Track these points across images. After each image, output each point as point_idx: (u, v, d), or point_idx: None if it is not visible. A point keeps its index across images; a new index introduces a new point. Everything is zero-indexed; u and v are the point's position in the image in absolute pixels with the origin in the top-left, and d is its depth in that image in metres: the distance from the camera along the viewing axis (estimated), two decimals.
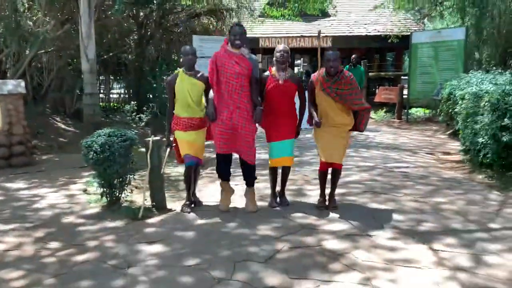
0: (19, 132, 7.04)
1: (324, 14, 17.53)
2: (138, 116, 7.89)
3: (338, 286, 2.96)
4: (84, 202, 5.01)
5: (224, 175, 4.75)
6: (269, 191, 5.03)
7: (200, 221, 4.32)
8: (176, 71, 4.73)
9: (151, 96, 11.84)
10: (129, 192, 4.96)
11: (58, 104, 10.46)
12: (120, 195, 4.83)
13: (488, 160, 6.22)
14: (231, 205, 4.79)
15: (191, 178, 4.77)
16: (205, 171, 6.58)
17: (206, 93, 4.69)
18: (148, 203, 4.81)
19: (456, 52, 11.74)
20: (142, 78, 11.71)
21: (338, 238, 3.80)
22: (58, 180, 6.01)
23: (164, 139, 4.98)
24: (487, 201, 4.92)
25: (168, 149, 4.80)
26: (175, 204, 5.01)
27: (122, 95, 13.78)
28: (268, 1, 12.84)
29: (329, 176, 4.76)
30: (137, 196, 5.14)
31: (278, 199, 4.92)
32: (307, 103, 4.76)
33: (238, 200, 4.94)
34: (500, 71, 8.80)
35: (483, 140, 6.20)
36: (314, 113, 4.54)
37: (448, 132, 10.72)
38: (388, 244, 3.67)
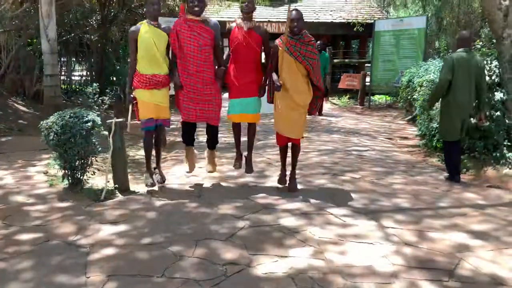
0: None
1: (291, 1, 17.60)
2: (100, 98, 7.74)
3: (293, 259, 3.12)
4: (44, 184, 4.96)
5: (188, 141, 4.93)
6: (231, 173, 5.15)
7: (162, 202, 4.37)
8: (138, 23, 4.58)
9: (114, 78, 11.64)
10: (92, 174, 4.94)
11: (17, 86, 10.12)
12: (82, 177, 4.81)
13: (441, 145, 6.54)
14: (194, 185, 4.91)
15: (151, 145, 4.74)
16: (169, 154, 6.61)
17: (169, 48, 4.61)
18: (111, 185, 4.83)
19: (417, 40, 12.12)
20: (105, 60, 11.48)
21: (295, 216, 3.96)
22: (17, 162, 5.90)
23: (127, 122, 4.97)
24: (437, 182, 5.21)
25: (130, 106, 4.74)
26: (138, 186, 5.05)
27: (84, 77, 13.46)
28: None
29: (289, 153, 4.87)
30: (99, 178, 5.13)
31: (243, 161, 5.04)
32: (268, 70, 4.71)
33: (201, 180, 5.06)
34: None
35: (437, 125, 6.51)
36: (275, 76, 4.52)
37: (407, 118, 11.11)
38: (340, 221, 3.86)
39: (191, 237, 3.50)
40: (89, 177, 4.93)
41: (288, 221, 3.84)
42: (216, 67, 4.67)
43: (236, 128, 4.98)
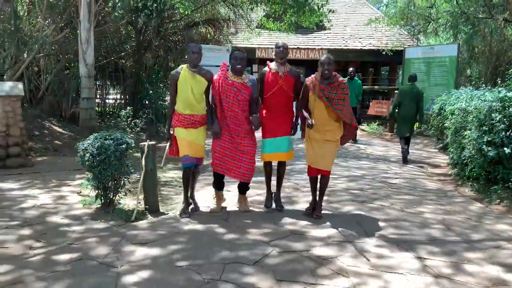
0: (16, 134, 7.13)
1: (320, 27, 17.79)
2: (133, 121, 7.99)
3: None
4: (78, 204, 5.10)
5: (218, 186, 5.00)
6: (258, 198, 5.18)
7: (192, 226, 4.42)
8: (179, 67, 4.80)
9: (146, 102, 11.97)
10: (123, 195, 5.06)
11: (54, 108, 10.55)
12: (114, 198, 4.94)
13: (474, 174, 6.40)
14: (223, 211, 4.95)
15: (189, 180, 4.87)
16: (201, 175, 6.71)
17: (208, 91, 4.80)
18: (141, 206, 4.92)
19: (448, 68, 12.02)
20: (138, 84, 11.84)
21: (326, 245, 3.92)
22: (52, 182, 6.10)
23: (159, 144, 5.11)
24: (469, 213, 5.08)
25: (169, 143, 4.90)
26: (167, 207, 5.13)
27: (118, 101, 13.90)
28: (265, 13, 13.05)
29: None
30: (130, 199, 5.24)
31: (272, 200, 5.07)
32: (299, 107, 4.86)
33: (230, 206, 5.09)
34: (489, 88, 9.03)
35: (470, 154, 6.39)
36: (307, 114, 4.65)
37: (438, 146, 10.92)
38: (374, 251, 3.80)
39: (220, 261, 3.52)
40: (121, 197, 5.05)
41: (319, 250, 3.81)
42: (252, 133, 4.82)
43: (268, 167, 5.07)
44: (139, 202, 4.85)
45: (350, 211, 5.00)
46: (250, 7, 12.55)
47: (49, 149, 8.60)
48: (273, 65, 4.85)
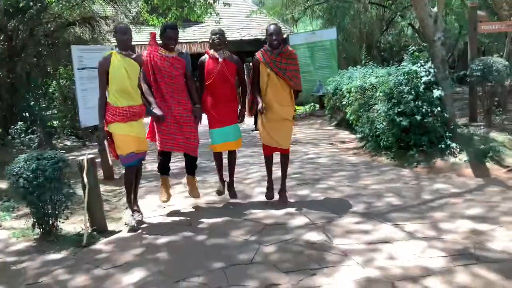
0: None
1: (195, 21, 17.65)
2: (28, 137, 6.98)
3: (345, 275, 3.09)
4: (10, 238, 4.35)
5: (164, 170, 4.81)
6: (208, 197, 5.11)
7: (164, 239, 4.07)
8: (107, 53, 4.32)
9: (27, 114, 10.64)
10: (65, 219, 4.45)
11: None
12: (56, 224, 4.32)
13: (387, 144, 7.02)
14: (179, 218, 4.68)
15: (133, 181, 4.47)
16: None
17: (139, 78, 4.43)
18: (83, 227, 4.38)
19: (330, 51, 12.92)
20: (15, 96, 10.43)
21: (310, 230, 3.96)
22: None
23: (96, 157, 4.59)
24: (404, 178, 5.59)
25: (106, 142, 4.43)
26: (117, 225, 4.66)
27: None
28: (146, 9, 12.44)
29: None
30: (68, 223, 4.61)
31: (226, 187, 5.01)
32: (248, 88, 4.85)
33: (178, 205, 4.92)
34: (375, 65, 9.97)
35: (382, 126, 6.99)
36: (258, 98, 4.59)
37: (333, 124, 11.73)
38: (356, 228, 3.96)
39: (217, 268, 3.33)
40: (62, 222, 4.44)
41: (306, 236, 3.83)
42: (190, 103, 4.61)
43: (218, 156, 4.97)
44: (86, 223, 4.30)
45: (308, 194, 5.12)
46: (128, 1, 11.89)
47: None
48: (211, 51, 4.72)
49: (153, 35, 4.52)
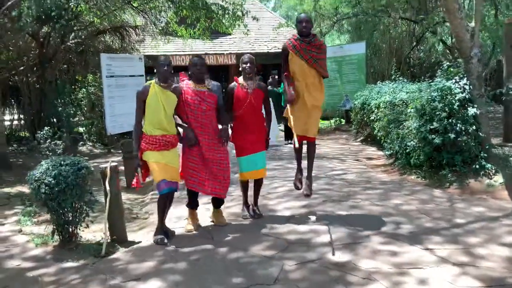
0: None
1: (223, 33, 17.76)
2: (53, 143, 7.00)
3: None
4: (29, 243, 4.30)
5: (193, 205, 4.68)
6: (229, 210, 5.00)
7: (183, 250, 3.95)
8: (147, 83, 4.33)
9: (54, 120, 10.81)
10: (85, 227, 4.38)
11: None
12: (76, 231, 4.25)
13: (418, 162, 6.75)
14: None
15: (166, 208, 4.35)
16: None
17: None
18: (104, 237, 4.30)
19: (358, 65, 12.70)
20: (43, 102, 10.61)
21: (336, 249, 3.77)
22: None
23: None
24: (437, 199, 5.32)
25: (139, 170, 4.33)
26: (137, 235, 4.57)
27: (15, 121, 12.36)
28: (175, 20, 12.55)
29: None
30: (88, 231, 4.54)
31: (251, 210, 4.90)
32: (283, 78, 4.74)
33: (201, 221, 4.77)
34: (404, 80, 9.70)
35: (413, 143, 6.73)
36: (287, 87, 4.60)
37: (359, 139, 11.49)
38: (383, 248, 3.75)
39: (238, 285, 3.18)
40: (82, 230, 4.37)
41: (331, 255, 3.64)
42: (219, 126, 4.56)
43: (246, 184, 4.88)
44: (105, 233, 4.22)
45: (332, 211, 4.92)
46: (158, 11, 12.00)
47: None
48: (241, 80, 4.66)
49: (181, 75, 4.50)
